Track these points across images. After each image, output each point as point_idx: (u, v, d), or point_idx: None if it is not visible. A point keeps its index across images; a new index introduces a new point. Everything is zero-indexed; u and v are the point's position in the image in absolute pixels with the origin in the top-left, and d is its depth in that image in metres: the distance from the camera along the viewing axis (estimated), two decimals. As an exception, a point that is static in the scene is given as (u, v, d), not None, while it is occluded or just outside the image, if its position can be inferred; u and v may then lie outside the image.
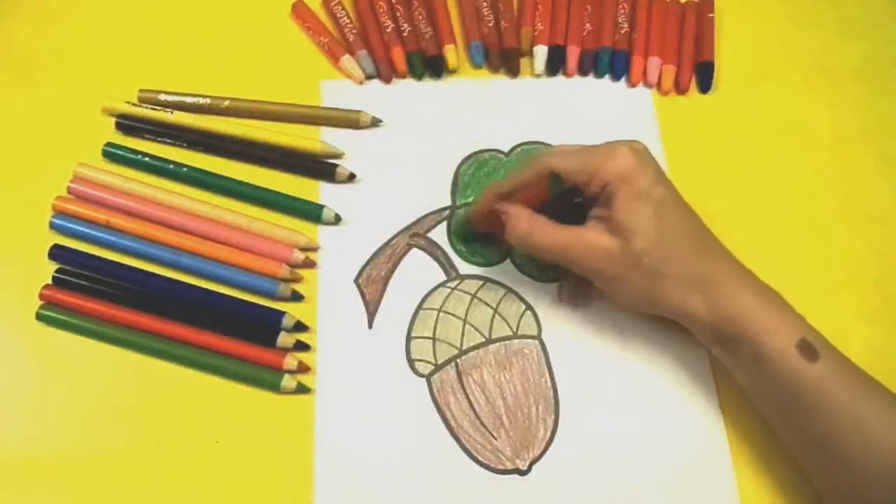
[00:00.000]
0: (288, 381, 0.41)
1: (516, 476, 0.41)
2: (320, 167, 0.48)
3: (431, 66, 0.51)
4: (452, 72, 0.52)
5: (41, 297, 0.43)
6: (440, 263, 0.46)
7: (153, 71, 0.50)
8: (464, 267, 0.46)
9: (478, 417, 0.42)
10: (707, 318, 0.39)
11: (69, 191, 0.46)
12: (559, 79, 0.52)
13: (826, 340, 0.38)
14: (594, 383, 0.43)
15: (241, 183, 0.47)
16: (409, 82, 0.52)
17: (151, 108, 0.48)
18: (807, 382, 0.37)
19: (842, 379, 0.37)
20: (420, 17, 0.52)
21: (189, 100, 0.49)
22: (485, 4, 0.53)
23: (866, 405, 0.36)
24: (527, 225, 0.41)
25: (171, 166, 0.47)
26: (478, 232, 0.46)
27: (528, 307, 0.45)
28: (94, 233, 0.45)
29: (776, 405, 0.39)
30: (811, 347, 0.37)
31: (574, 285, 0.45)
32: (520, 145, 0.50)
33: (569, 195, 0.41)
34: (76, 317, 0.43)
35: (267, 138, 0.48)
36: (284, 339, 0.42)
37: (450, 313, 0.45)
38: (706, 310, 0.39)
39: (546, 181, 0.41)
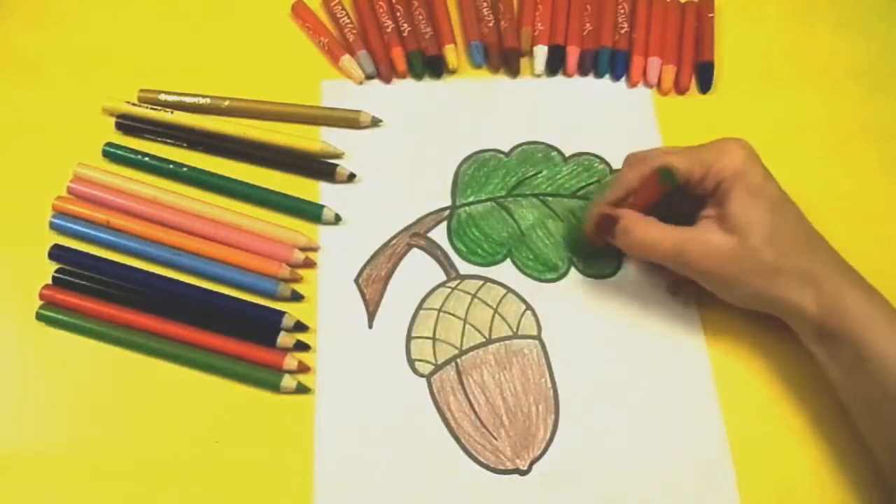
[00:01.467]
0: (288, 381, 0.41)
1: (516, 476, 0.41)
2: (320, 167, 0.48)
3: (431, 66, 0.51)
4: (452, 72, 0.52)
5: (41, 297, 0.43)
6: (440, 263, 0.46)
7: (153, 71, 0.50)
8: (464, 267, 0.46)
9: (478, 417, 0.42)
10: (815, 315, 0.39)
11: (69, 191, 0.46)
12: (559, 79, 0.52)
13: None
14: (594, 383, 0.43)
15: (241, 183, 0.47)
16: (409, 82, 0.52)
17: (151, 108, 0.48)
18: None
19: None
20: (420, 17, 0.52)
21: (189, 100, 0.49)
22: (485, 4, 0.53)
23: None
24: (639, 227, 0.41)
25: (171, 166, 0.47)
26: (591, 244, 0.45)
27: (528, 307, 0.45)
28: (94, 233, 0.45)
29: (870, 404, 0.39)
30: None
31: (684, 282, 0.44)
32: (520, 145, 0.50)
33: (677, 194, 0.41)
34: (76, 317, 0.43)
35: (267, 138, 0.48)
36: (284, 339, 0.42)
37: (450, 313, 0.45)
38: (815, 306, 0.39)
39: (656, 179, 0.40)
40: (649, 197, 0.41)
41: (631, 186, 0.42)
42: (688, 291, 0.45)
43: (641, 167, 0.42)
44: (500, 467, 0.41)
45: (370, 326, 0.44)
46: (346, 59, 0.51)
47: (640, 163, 0.42)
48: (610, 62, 0.52)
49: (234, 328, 0.43)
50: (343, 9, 0.53)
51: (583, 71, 0.52)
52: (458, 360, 0.43)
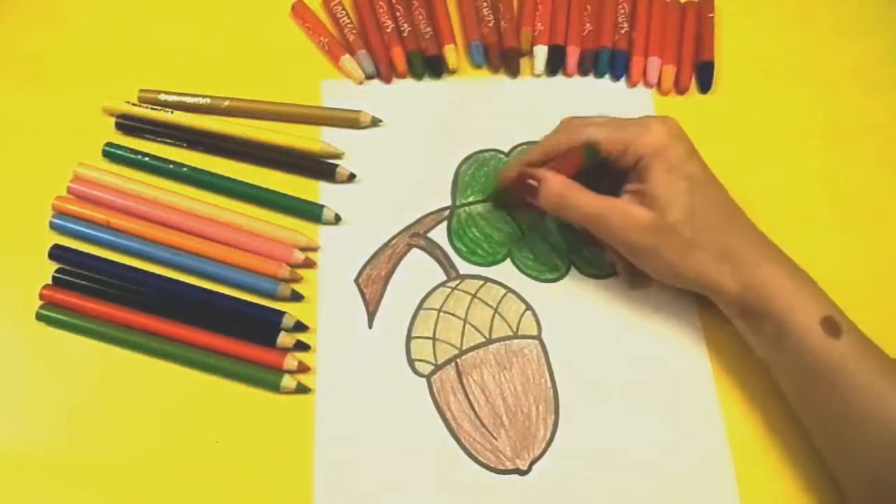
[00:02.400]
0: (288, 381, 0.41)
1: (516, 476, 0.41)
2: (320, 167, 0.48)
3: (431, 66, 0.51)
4: (452, 72, 0.52)
5: (41, 297, 0.43)
6: (440, 263, 0.46)
7: (153, 71, 0.50)
8: (464, 267, 0.46)
9: (478, 417, 0.42)
10: (734, 291, 0.40)
11: (69, 191, 0.46)
12: (559, 79, 0.52)
13: (849, 320, 0.39)
14: (594, 383, 0.43)
15: (241, 183, 0.47)
16: (409, 82, 0.52)
17: (151, 108, 0.48)
18: (828, 358, 0.37)
19: (863, 357, 0.37)
20: (420, 17, 0.52)
21: (189, 100, 0.49)
22: (485, 4, 0.53)
23: (886, 383, 0.37)
24: (562, 189, 0.41)
25: (171, 166, 0.47)
26: (500, 201, 0.46)
27: (528, 307, 0.45)
28: (94, 233, 0.45)
29: (796, 380, 0.40)
30: (835, 324, 0.38)
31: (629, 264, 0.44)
32: (520, 145, 0.50)
33: (600, 166, 0.42)
34: (76, 317, 0.43)
35: (267, 138, 0.48)
36: (284, 339, 0.42)
37: (450, 313, 0.45)
38: (734, 282, 0.40)
39: (581, 151, 0.41)
40: (571, 167, 0.42)
41: (554, 152, 0.43)
42: (643, 279, 0.45)
43: (569, 137, 0.42)
44: (500, 467, 0.41)
45: (370, 326, 0.44)
46: (346, 59, 0.51)
47: (569, 132, 0.43)
48: (610, 62, 0.52)
49: (234, 328, 0.43)
50: (343, 9, 0.53)
51: (583, 71, 0.52)
52: (458, 360, 0.43)
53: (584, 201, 0.41)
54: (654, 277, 0.43)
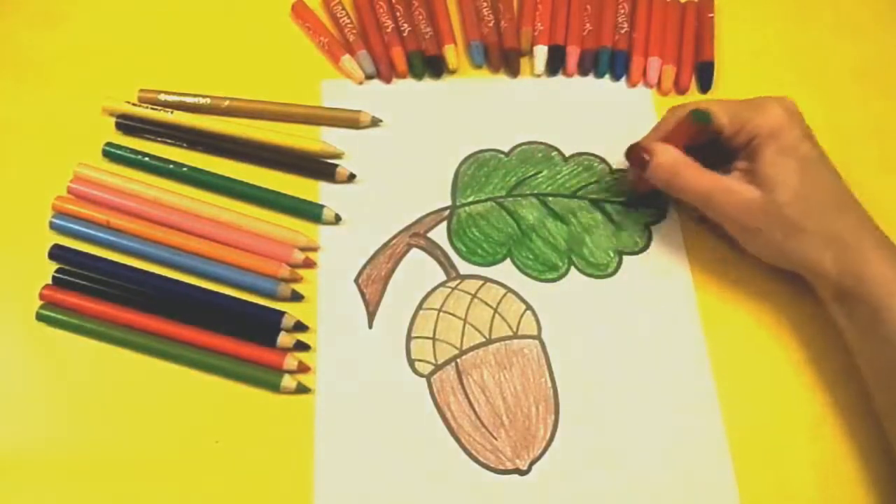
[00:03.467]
0: (288, 381, 0.41)
1: (516, 476, 0.41)
2: (320, 167, 0.48)
3: (431, 66, 0.51)
4: (452, 72, 0.52)
5: (41, 297, 0.43)
6: (440, 263, 0.46)
7: (153, 71, 0.50)
8: (464, 267, 0.46)
9: (478, 417, 0.42)
10: (833, 274, 0.40)
11: (69, 191, 0.46)
12: (559, 79, 0.52)
13: None
14: (594, 383, 0.43)
15: (241, 183, 0.47)
16: (409, 82, 0.52)
17: (151, 108, 0.48)
18: None
19: None
20: (420, 17, 0.52)
21: (189, 100, 0.49)
22: (485, 4, 0.53)
23: None
24: (673, 162, 0.42)
25: (171, 166, 0.47)
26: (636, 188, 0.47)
27: (528, 307, 0.45)
28: (94, 233, 0.45)
29: (885, 369, 0.40)
30: None
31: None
32: (520, 145, 0.50)
33: (711, 145, 0.42)
34: (76, 317, 0.43)
35: (267, 138, 0.48)
36: (284, 339, 0.42)
37: (450, 313, 0.45)
38: (835, 266, 0.40)
39: (690, 119, 0.42)
40: (683, 137, 0.43)
41: (667, 128, 0.44)
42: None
43: (680, 111, 0.43)
44: (500, 467, 0.41)
45: (370, 326, 0.44)
46: (346, 59, 0.51)
47: (681, 108, 0.44)
48: (610, 62, 0.52)
49: (234, 328, 0.43)
50: (343, 9, 0.53)
51: (583, 71, 0.52)
52: (458, 360, 0.43)
53: (694, 177, 0.42)
54: (757, 255, 0.43)
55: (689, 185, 0.42)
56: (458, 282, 0.46)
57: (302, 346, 0.43)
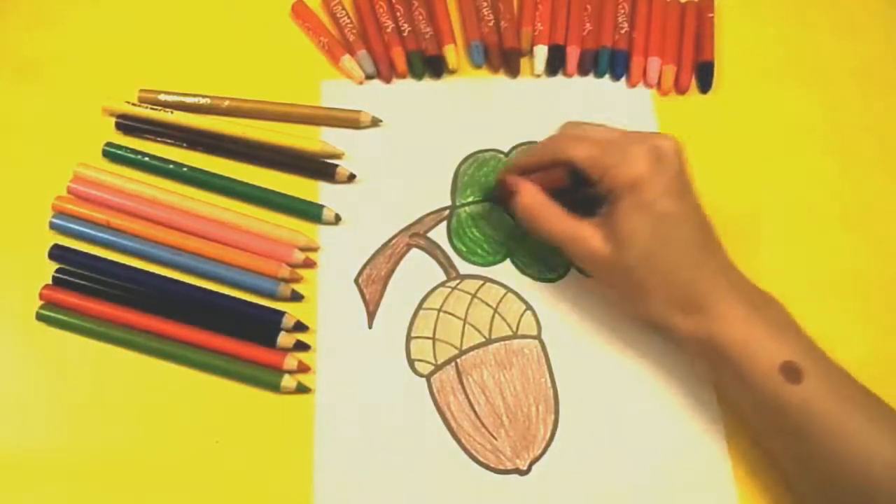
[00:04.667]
0: (288, 381, 0.41)
1: (516, 476, 0.41)
2: (320, 167, 0.48)
3: (431, 66, 0.51)
4: (452, 72, 0.52)
5: (41, 297, 0.43)
6: (440, 263, 0.46)
7: (153, 71, 0.50)
8: (464, 267, 0.46)
9: (478, 417, 0.42)
10: (690, 336, 0.39)
11: (69, 191, 0.46)
12: (559, 79, 0.52)
13: (815, 357, 0.37)
14: (594, 383, 0.43)
15: (241, 183, 0.47)
16: (409, 82, 0.52)
17: (151, 108, 0.48)
18: (790, 405, 0.36)
19: (828, 399, 0.36)
20: (420, 17, 0.52)
21: (189, 100, 0.49)
22: (485, 4, 0.53)
23: (855, 424, 0.35)
24: (533, 204, 0.42)
25: (171, 166, 0.47)
26: (497, 201, 0.46)
27: (528, 307, 0.45)
28: (94, 233, 0.45)
29: (762, 425, 0.39)
30: (795, 369, 0.36)
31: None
32: (520, 145, 0.50)
33: (586, 185, 0.41)
34: (76, 317, 0.43)
35: (267, 138, 0.48)
36: (284, 339, 0.42)
37: (450, 313, 0.45)
38: (690, 327, 0.39)
39: (564, 170, 0.41)
40: (553, 182, 0.42)
41: (546, 161, 0.42)
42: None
43: (559, 148, 0.41)
44: (500, 467, 0.41)
45: (370, 326, 0.44)
46: (346, 59, 0.51)
47: (560, 143, 0.41)
48: (610, 62, 0.52)
49: (234, 328, 0.43)
50: (343, 9, 0.53)
51: (583, 71, 0.52)
52: (458, 360, 0.43)
53: (551, 222, 0.41)
54: (620, 311, 0.44)
55: (545, 229, 0.41)
56: (458, 282, 0.46)
57: (302, 346, 0.43)
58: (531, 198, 0.42)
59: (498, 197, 0.46)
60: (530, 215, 0.42)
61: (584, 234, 0.40)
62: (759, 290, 0.40)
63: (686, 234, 0.39)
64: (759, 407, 0.38)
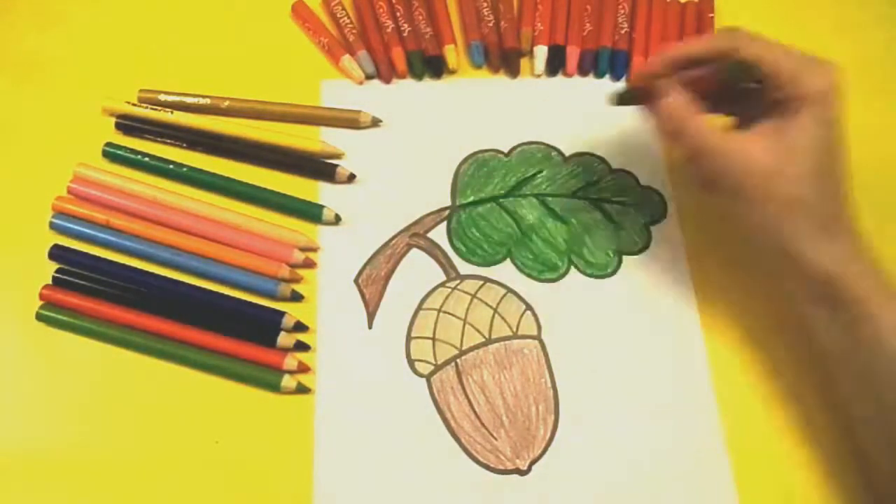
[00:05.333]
0: (288, 381, 0.41)
1: (516, 476, 0.41)
2: (320, 167, 0.48)
3: (431, 66, 0.51)
4: (452, 72, 0.52)
5: (41, 297, 0.43)
6: (440, 263, 0.46)
7: (153, 71, 0.50)
8: (464, 267, 0.46)
9: (478, 417, 0.42)
10: (821, 268, 0.37)
11: (69, 191, 0.46)
12: (559, 79, 0.52)
13: None
14: (594, 383, 0.43)
15: (241, 183, 0.47)
16: (409, 82, 0.52)
17: (151, 108, 0.48)
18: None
19: None
20: (420, 17, 0.52)
21: (189, 100, 0.49)
22: (485, 4, 0.53)
23: None
24: (682, 111, 0.39)
25: (172, 166, 0.47)
26: (628, 101, 0.43)
27: (528, 307, 0.45)
28: (94, 233, 0.45)
29: (861, 377, 0.38)
30: None
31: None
32: (520, 145, 0.50)
33: (745, 88, 0.39)
34: (76, 317, 0.43)
35: (267, 138, 0.48)
36: (284, 339, 0.42)
37: (450, 313, 0.45)
38: (826, 259, 0.37)
39: (726, 70, 0.38)
40: (708, 85, 0.39)
41: (698, 56, 0.39)
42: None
43: (729, 46, 0.38)
44: (500, 467, 0.41)
45: (370, 326, 0.44)
46: (346, 59, 0.51)
47: (732, 41, 0.39)
48: (610, 62, 0.52)
49: (234, 328, 0.43)
50: (343, 9, 0.53)
51: (583, 71, 0.52)
52: (458, 361, 0.43)
53: (701, 133, 0.38)
54: (742, 227, 0.40)
55: (695, 137, 0.38)
56: (457, 282, 0.46)
57: (302, 346, 0.43)
58: (680, 103, 0.39)
59: (633, 96, 0.42)
60: (677, 122, 0.39)
61: (744, 146, 0.37)
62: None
63: (844, 167, 0.38)
64: (869, 359, 0.37)
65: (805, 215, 0.37)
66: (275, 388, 0.41)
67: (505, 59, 0.52)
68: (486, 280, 0.46)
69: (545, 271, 0.46)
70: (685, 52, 0.40)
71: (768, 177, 0.37)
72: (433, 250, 0.46)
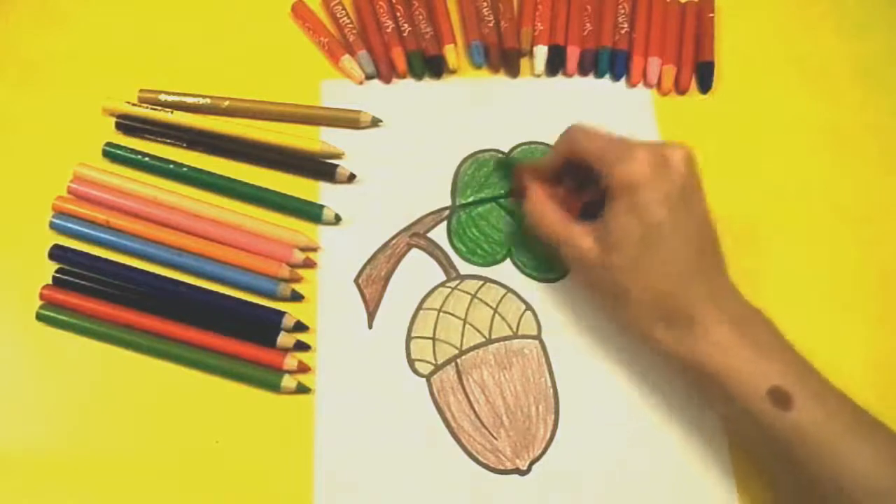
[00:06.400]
0: (288, 381, 0.41)
1: (516, 476, 0.41)
2: (320, 167, 0.48)
3: (431, 66, 0.51)
4: (452, 72, 0.52)
5: (41, 297, 0.43)
6: (440, 263, 0.46)
7: (153, 71, 0.50)
8: (464, 267, 0.46)
9: (478, 417, 0.42)
10: (674, 351, 0.38)
11: (69, 191, 0.46)
12: (559, 79, 0.52)
13: (805, 379, 0.36)
14: (594, 383, 0.43)
15: (241, 183, 0.47)
16: (409, 82, 0.52)
17: (151, 108, 0.48)
18: (780, 432, 0.35)
19: (823, 422, 0.34)
20: (420, 17, 0.52)
21: (189, 100, 0.49)
22: (485, 4, 0.53)
23: (852, 445, 0.34)
24: (537, 207, 0.42)
25: (171, 166, 0.47)
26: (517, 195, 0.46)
27: (528, 307, 0.45)
28: (94, 233, 0.45)
29: (753, 449, 0.39)
30: (784, 394, 0.35)
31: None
32: (520, 145, 0.50)
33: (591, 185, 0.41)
34: (76, 317, 0.43)
35: (267, 138, 0.48)
36: (284, 339, 0.42)
37: (450, 313, 0.45)
38: (671, 344, 0.38)
39: (562, 162, 0.42)
40: (554, 172, 0.43)
41: (556, 158, 0.42)
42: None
43: (572, 142, 0.41)
44: (500, 467, 0.41)
45: (370, 326, 0.44)
46: (346, 59, 0.51)
47: (575, 135, 0.41)
48: (610, 62, 0.52)
49: (234, 328, 0.43)
50: (343, 9, 0.53)
51: (583, 71, 0.52)
52: (458, 360, 0.43)
53: (550, 222, 0.41)
54: (600, 311, 0.43)
55: (542, 227, 0.41)
56: (458, 282, 0.46)
57: (302, 346, 0.43)
58: (535, 198, 0.42)
59: (515, 193, 0.46)
60: (532, 215, 0.42)
61: (576, 234, 0.40)
62: (748, 307, 0.38)
63: (676, 245, 0.37)
64: (747, 431, 0.37)
65: (636, 304, 0.38)
66: (275, 388, 0.41)
67: (505, 59, 0.52)
68: (486, 280, 0.46)
69: (545, 271, 0.46)
70: (542, 162, 0.43)
71: (596, 268, 0.39)
72: (433, 250, 0.46)
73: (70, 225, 0.45)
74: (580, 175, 0.42)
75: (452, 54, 0.51)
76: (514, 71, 0.52)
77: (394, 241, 0.46)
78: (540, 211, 0.42)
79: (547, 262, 0.46)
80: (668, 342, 0.38)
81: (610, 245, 0.38)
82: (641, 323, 0.39)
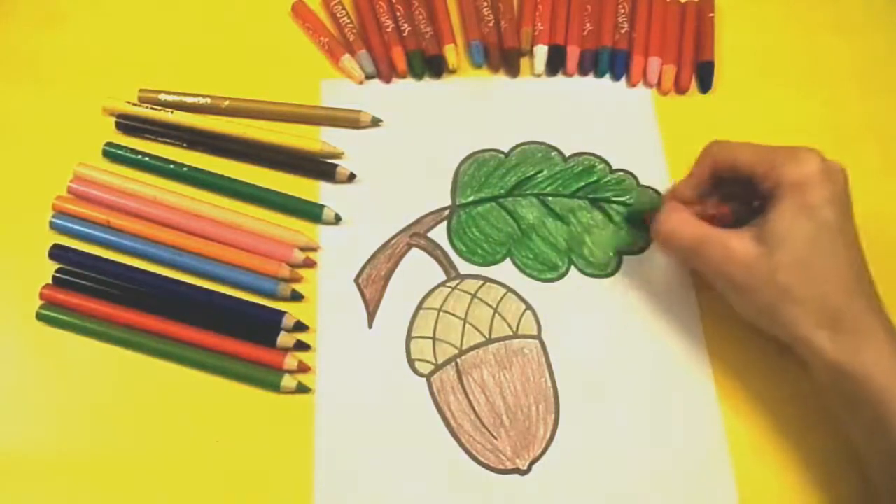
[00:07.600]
0: (288, 381, 0.41)
1: (516, 476, 0.41)
2: (320, 167, 0.48)
3: (431, 66, 0.51)
4: (452, 72, 0.52)
5: (41, 297, 0.43)
6: (440, 263, 0.46)
7: (153, 71, 0.50)
8: (464, 267, 0.46)
9: (478, 417, 0.42)
10: (830, 360, 0.36)
11: (69, 191, 0.46)
12: (559, 79, 0.52)
13: None
14: (594, 383, 0.43)
15: (241, 183, 0.47)
16: (409, 82, 0.52)
17: (151, 108, 0.48)
18: None
19: None
20: (420, 17, 0.52)
21: (189, 100, 0.49)
22: (485, 4, 0.53)
23: None
24: (672, 212, 0.41)
25: (172, 166, 0.47)
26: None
27: (528, 307, 0.45)
28: (94, 233, 0.45)
29: (891, 474, 0.36)
30: None
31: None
32: (520, 145, 0.50)
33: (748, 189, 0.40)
34: (76, 317, 0.43)
35: (267, 138, 0.48)
36: (284, 339, 0.42)
37: (450, 313, 0.45)
38: (832, 350, 0.36)
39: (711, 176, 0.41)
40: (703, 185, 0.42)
41: (701, 174, 0.42)
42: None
43: (720, 153, 0.41)
44: (500, 467, 0.41)
45: (370, 326, 0.44)
46: (346, 59, 0.51)
47: (722, 147, 0.41)
48: (610, 62, 0.52)
49: (234, 328, 0.43)
50: (343, 9, 0.53)
51: (583, 71, 0.52)
52: (458, 360, 0.43)
53: (687, 226, 0.40)
54: (744, 316, 0.40)
55: (679, 235, 0.40)
56: (458, 282, 0.46)
57: (302, 346, 0.43)
58: (672, 206, 0.41)
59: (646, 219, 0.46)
60: (669, 222, 0.41)
61: (727, 237, 0.38)
62: None
63: (846, 252, 0.37)
64: (893, 456, 0.35)
65: (799, 305, 0.37)
66: (275, 387, 0.41)
67: (505, 59, 0.52)
68: (487, 280, 0.46)
69: (545, 271, 0.46)
70: (691, 186, 0.42)
71: (757, 267, 0.37)
72: (433, 250, 0.46)
73: (70, 225, 0.45)
74: (712, 193, 0.42)
75: (452, 54, 0.51)
76: (514, 71, 0.52)
77: (394, 241, 0.46)
78: (679, 217, 0.41)
79: (547, 262, 0.46)
80: (831, 351, 0.36)
81: (775, 243, 0.37)
82: (802, 327, 0.37)
